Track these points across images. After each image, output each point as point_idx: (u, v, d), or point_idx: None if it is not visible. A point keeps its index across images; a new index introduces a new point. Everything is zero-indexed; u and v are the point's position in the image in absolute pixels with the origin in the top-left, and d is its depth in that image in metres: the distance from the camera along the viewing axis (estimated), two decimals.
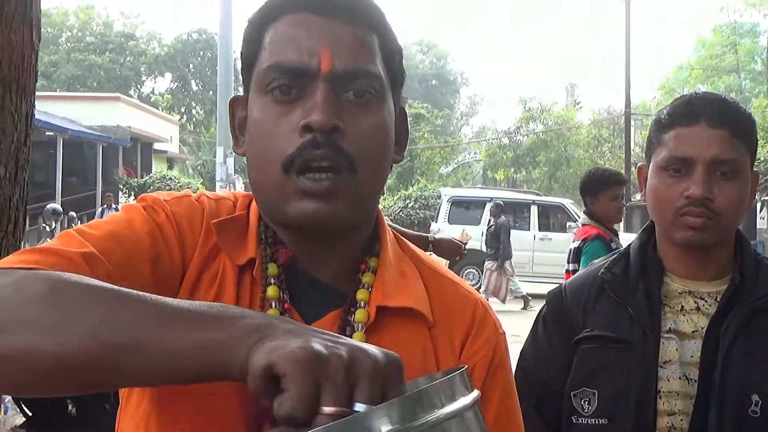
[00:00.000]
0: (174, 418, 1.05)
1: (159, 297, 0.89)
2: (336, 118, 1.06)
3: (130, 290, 0.90)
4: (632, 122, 28.46)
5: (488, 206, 19.58)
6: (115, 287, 0.90)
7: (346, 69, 1.08)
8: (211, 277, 1.13)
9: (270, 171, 1.09)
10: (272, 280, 1.13)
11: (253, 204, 1.20)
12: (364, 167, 1.09)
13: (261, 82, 1.11)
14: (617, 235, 5.73)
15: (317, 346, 0.79)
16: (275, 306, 1.11)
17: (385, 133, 1.13)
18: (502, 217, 16.60)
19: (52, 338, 0.84)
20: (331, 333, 0.84)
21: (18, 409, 3.66)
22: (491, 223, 16.68)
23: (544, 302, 1.94)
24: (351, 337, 1.10)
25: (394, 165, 1.22)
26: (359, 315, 1.13)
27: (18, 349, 0.85)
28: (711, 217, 1.67)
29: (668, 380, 1.71)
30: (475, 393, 0.82)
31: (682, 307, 1.75)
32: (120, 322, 0.85)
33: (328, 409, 0.75)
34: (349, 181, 1.08)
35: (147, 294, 0.90)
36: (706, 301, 1.74)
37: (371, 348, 0.82)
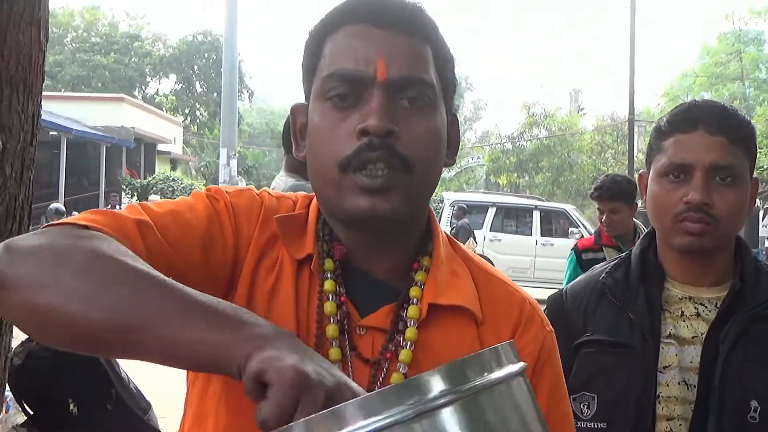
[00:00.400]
0: (240, 408, 1.10)
1: (184, 287, 0.98)
2: (391, 123, 1.13)
3: (159, 275, 0.99)
4: (636, 129, 28.42)
5: (491, 211, 19.58)
6: (149, 271, 0.99)
7: (401, 77, 1.15)
8: (269, 266, 1.20)
9: (328, 171, 1.16)
10: (329, 275, 1.20)
11: (313, 203, 1.27)
12: (418, 168, 1.15)
13: (321, 89, 1.17)
14: (615, 246, 5.31)
15: (308, 369, 0.86)
16: (332, 299, 1.18)
17: (438, 137, 1.19)
18: (465, 219, 16.78)
19: (79, 305, 0.96)
20: (329, 363, 0.92)
21: (20, 408, 3.67)
22: (453, 224, 16.80)
23: (545, 307, 1.95)
24: (404, 333, 1.18)
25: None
26: (411, 311, 1.19)
27: (49, 308, 0.97)
28: (710, 222, 1.68)
29: (667, 385, 1.72)
30: (522, 363, 0.89)
31: (682, 312, 1.76)
32: (140, 304, 0.95)
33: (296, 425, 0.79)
34: (404, 179, 1.14)
35: (174, 283, 0.98)
36: (706, 307, 1.75)
37: (357, 388, 0.90)
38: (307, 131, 1.22)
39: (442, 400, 0.78)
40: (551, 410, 1.22)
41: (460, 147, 1.32)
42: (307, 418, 0.78)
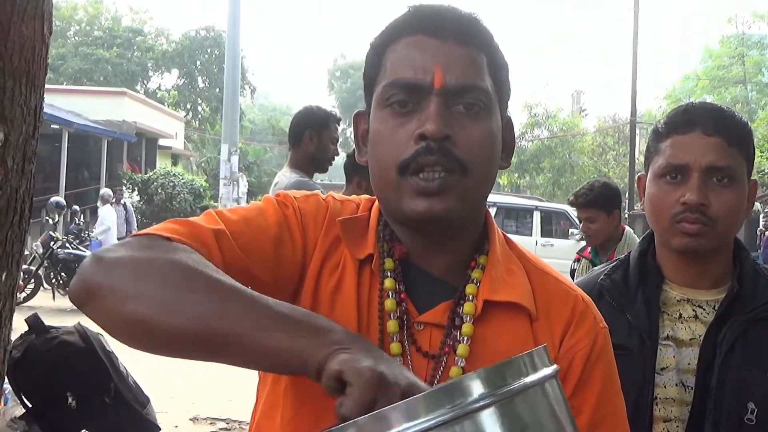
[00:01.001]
0: (305, 398, 1.18)
1: (265, 299, 1.06)
2: (447, 127, 1.18)
3: (242, 288, 1.07)
4: (637, 131, 28.43)
5: (491, 211, 19.57)
6: (231, 282, 1.07)
7: (457, 84, 1.20)
8: (333, 266, 1.27)
9: (388, 174, 1.22)
10: (389, 273, 1.26)
11: (375, 205, 1.34)
12: (474, 170, 1.21)
13: (381, 97, 1.24)
14: (588, 258, 5.16)
15: (384, 370, 0.95)
16: (392, 296, 1.24)
17: (493, 140, 1.25)
18: None
19: (167, 315, 1.04)
20: (399, 364, 1.01)
21: (18, 401, 3.67)
22: None
23: None
24: (460, 328, 1.24)
25: None
26: (467, 307, 1.25)
27: (140, 317, 1.05)
28: (707, 223, 1.69)
29: (665, 387, 1.72)
30: (555, 366, 0.94)
31: (680, 314, 1.76)
32: (225, 314, 1.03)
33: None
34: (460, 181, 1.20)
35: (256, 294, 1.07)
36: (704, 310, 1.76)
37: (424, 387, 0.97)
38: (369, 137, 1.28)
39: (481, 403, 0.83)
40: (602, 404, 1.26)
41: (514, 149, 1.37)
42: (355, 419, 0.85)
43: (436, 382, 1.22)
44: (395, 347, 1.22)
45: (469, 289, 1.26)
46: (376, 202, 1.34)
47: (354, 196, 1.40)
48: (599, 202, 4.88)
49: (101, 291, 1.07)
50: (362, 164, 1.32)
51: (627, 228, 5.06)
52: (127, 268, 1.08)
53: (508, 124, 1.32)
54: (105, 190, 17.83)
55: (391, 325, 1.23)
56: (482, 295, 1.25)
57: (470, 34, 1.24)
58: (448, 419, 0.81)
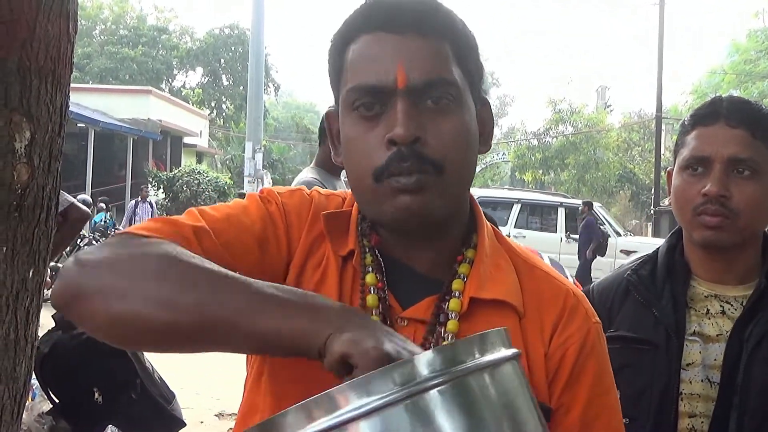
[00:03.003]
0: (282, 393, 1.17)
1: (256, 282, 1.05)
2: (417, 128, 1.15)
3: (231, 273, 1.06)
4: (663, 126, 28.23)
5: (515, 207, 19.51)
6: (219, 269, 1.06)
7: (422, 81, 1.16)
8: (316, 263, 1.25)
9: (363, 181, 1.19)
10: (370, 269, 1.24)
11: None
12: (450, 167, 1.17)
13: (347, 101, 1.20)
14: None
15: (389, 348, 0.93)
16: (373, 291, 1.22)
17: (466, 131, 1.20)
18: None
19: (160, 309, 1.03)
20: (401, 337, 0.98)
21: (45, 396, 3.71)
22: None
23: None
24: (445, 325, 1.21)
25: None
26: (453, 304, 1.22)
27: (133, 314, 1.03)
28: (728, 216, 1.67)
29: (690, 382, 1.71)
30: (515, 350, 0.93)
31: (708, 310, 1.75)
32: (218, 302, 1.02)
33: None
34: (437, 181, 1.16)
35: (246, 279, 1.06)
36: (731, 305, 1.74)
37: None
38: (341, 140, 1.25)
39: (431, 383, 0.82)
40: (595, 401, 1.23)
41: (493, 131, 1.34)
42: (301, 403, 0.82)
43: None
44: None
45: (456, 284, 1.23)
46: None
47: (340, 191, 1.38)
48: None
49: (85, 292, 1.06)
50: (338, 164, 1.29)
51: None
52: (112, 266, 1.07)
53: (483, 106, 1.28)
54: (82, 197, 17.38)
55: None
56: (468, 292, 1.22)
57: (430, 23, 1.19)
58: (395, 399, 0.80)
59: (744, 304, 1.72)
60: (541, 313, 1.25)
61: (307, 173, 4.48)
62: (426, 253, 1.25)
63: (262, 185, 16.57)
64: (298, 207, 1.29)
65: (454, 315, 1.21)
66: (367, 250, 1.26)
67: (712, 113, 1.73)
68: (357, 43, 1.20)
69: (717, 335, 1.72)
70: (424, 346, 1.18)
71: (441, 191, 1.17)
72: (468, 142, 1.21)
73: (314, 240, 1.27)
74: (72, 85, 2.57)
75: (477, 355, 0.87)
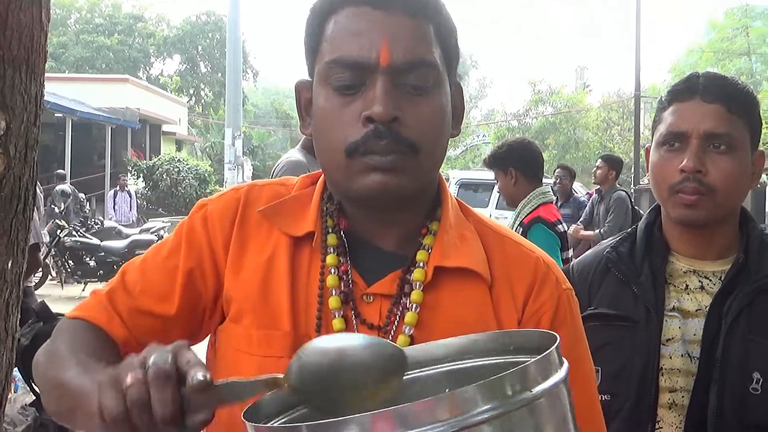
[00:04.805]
0: None
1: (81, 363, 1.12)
2: (395, 108, 1.14)
3: (73, 356, 1.15)
4: (642, 105, 28.29)
5: (496, 189, 19.56)
6: (75, 357, 1.14)
7: (404, 61, 1.15)
8: (258, 247, 1.26)
9: (335, 155, 1.18)
10: (331, 249, 1.24)
11: (320, 181, 1.31)
12: (424, 149, 1.17)
13: (324, 74, 1.19)
14: None
15: (145, 354, 0.93)
16: (334, 272, 1.22)
17: (443, 115, 1.21)
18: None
19: (47, 394, 1.20)
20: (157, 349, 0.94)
21: (28, 388, 3.69)
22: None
23: None
24: (409, 295, 1.21)
25: None
26: (417, 274, 1.22)
27: (45, 383, 1.22)
28: (704, 192, 1.68)
29: (670, 358, 1.72)
30: (565, 367, 0.89)
31: (687, 286, 1.76)
32: (65, 383, 1.11)
33: None
34: (412, 161, 1.17)
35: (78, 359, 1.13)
36: (710, 281, 1.75)
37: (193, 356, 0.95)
38: (313, 112, 1.23)
39: (482, 417, 0.77)
40: (570, 368, 1.23)
41: (465, 125, 1.33)
42: (327, 421, 0.78)
43: None
44: (338, 323, 1.20)
45: (420, 255, 1.23)
46: (321, 177, 1.32)
47: (284, 177, 1.39)
48: (494, 161, 4.76)
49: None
50: (306, 135, 1.29)
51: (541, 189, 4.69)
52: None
53: (457, 90, 1.28)
54: (61, 187, 17.12)
55: (333, 301, 1.21)
56: (433, 261, 1.23)
57: (417, 3, 1.18)
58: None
59: (722, 279, 1.74)
60: (512, 281, 1.26)
61: (296, 153, 4.46)
62: (392, 230, 1.25)
63: (243, 172, 16.53)
64: (221, 209, 1.30)
65: (418, 285, 1.21)
66: (330, 230, 1.25)
67: (689, 89, 1.74)
68: (340, 15, 1.18)
69: (696, 310, 1.74)
70: (389, 319, 1.20)
71: (414, 172, 1.18)
72: (443, 125, 1.21)
73: (251, 229, 1.28)
74: (48, 74, 2.55)
75: (532, 385, 0.82)
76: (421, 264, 1.23)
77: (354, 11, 1.17)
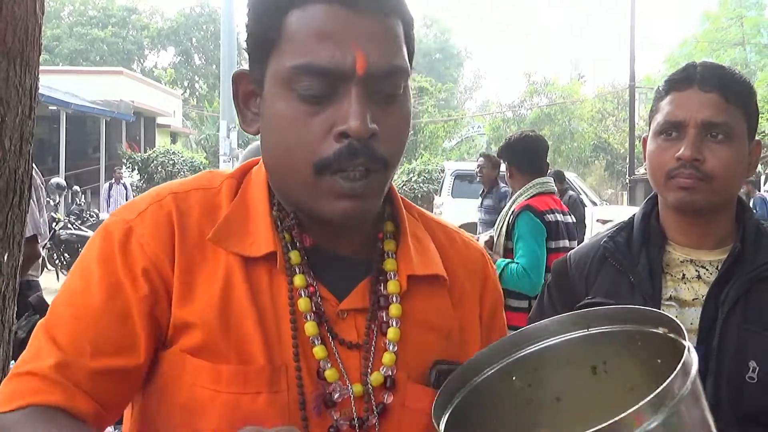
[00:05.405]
0: None
1: None
2: (372, 122, 1.05)
3: None
4: (637, 96, 28.31)
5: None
6: None
7: (379, 68, 1.05)
8: (209, 274, 1.10)
9: (299, 171, 1.07)
10: (297, 269, 1.12)
11: (260, 193, 1.17)
12: (393, 163, 1.10)
13: (286, 77, 1.06)
14: None
15: None
16: (304, 294, 1.12)
17: (409, 120, 1.13)
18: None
19: None
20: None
21: None
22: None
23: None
24: (387, 309, 1.15)
25: None
26: (392, 287, 1.16)
27: None
28: (701, 178, 1.69)
29: None
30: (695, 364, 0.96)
31: (684, 275, 1.77)
32: None
33: None
34: (381, 176, 1.10)
35: None
36: (707, 270, 1.76)
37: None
38: (266, 114, 1.11)
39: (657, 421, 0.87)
40: (493, 325, 1.30)
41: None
42: None
43: (368, 373, 1.12)
44: (319, 351, 1.11)
45: (389, 264, 1.17)
46: (262, 184, 1.17)
47: (199, 177, 1.22)
48: (500, 156, 5.03)
49: None
50: (251, 134, 1.16)
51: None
52: None
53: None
54: (56, 180, 17.06)
55: (309, 327, 1.11)
56: (405, 270, 1.17)
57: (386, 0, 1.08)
58: None
59: (719, 268, 1.74)
60: (466, 277, 1.26)
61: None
62: (350, 236, 1.18)
63: (238, 164, 16.48)
64: (153, 231, 1.11)
65: (395, 298, 1.16)
66: (289, 247, 1.14)
67: (686, 78, 1.74)
68: (305, 11, 1.06)
69: (693, 300, 1.74)
70: (368, 335, 1.14)
71: (382, 189, 1.12)
72: (408, 131, 1.14)
73: (193, 249, 1.11)
74: (42, 67, 2.54)
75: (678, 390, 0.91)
76: (392, 275, 1.17)
77: (322, 9, 1.05)
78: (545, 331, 1.18)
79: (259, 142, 1.14)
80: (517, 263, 4.36)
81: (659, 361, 1.10)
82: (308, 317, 1.11)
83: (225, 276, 1.10)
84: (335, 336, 1.13)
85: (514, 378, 1.17)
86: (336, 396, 1.10)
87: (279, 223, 1.15)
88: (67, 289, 1.14)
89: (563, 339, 1.18)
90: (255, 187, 1.18)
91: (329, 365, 1.11)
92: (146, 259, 1.09)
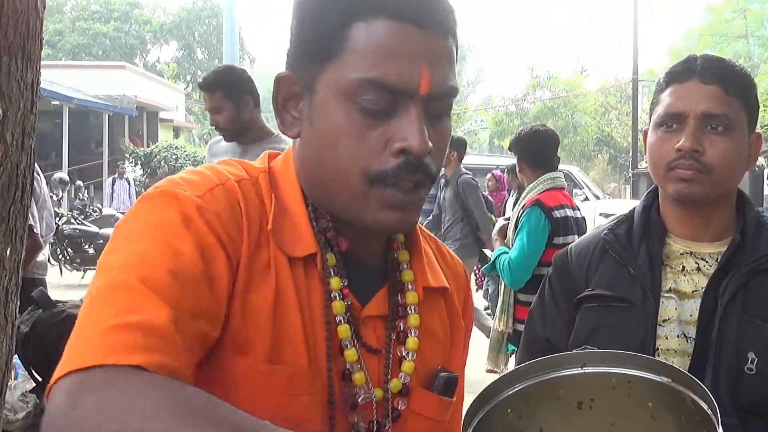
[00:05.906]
0: None
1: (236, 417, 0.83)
2: (429, 140, 1.06)
3: (213, 411, 0.82)
4: (640, 89, 28.27)
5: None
6: (204, 405, 0.82)
7: (440, 89, 1.07)
8: (262, 270, 1.08)
9: (349, 179, 1.08)
10: (331, 271, 1.13)
11: (286, 188, 1.15)
12: (436, 176, 1.13)
13: (350, 89, 1.06)
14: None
15: None
16: (338, 297, 1.12)
17: (450, 137, 1.16)
18: None
19: None
20: None
21: (28, 375, 3.70)
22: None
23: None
24: (405, 318, 1.19)
25: None
26: (411, 297, 1.20)
27: None
28: (701, 170, 1.69)
29: (666, 338, 1.73)
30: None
31: (683, 267, 1.77)
32: None
33: None
34: (425, 191, 1.13)
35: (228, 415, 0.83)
36: (707, 262, 1.76)
37: None
38: (319, 122, 1.09)
39: None
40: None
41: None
42: None
43: (389, 379, 1.16)
44: (351, 354, 1.12)
45: (406, 276, 1.20)
46: (284, 183, 1.16)
47: (232, 167, 1.15)
48: (512, 151, 4.92)
49: None
50: (290, 137, 1.15)
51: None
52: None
53: None
54: (59, 175, 17.00)
55: (343, 330, 1.11)
56: (421, 282, 1.21)
57: (448, 21, 1.09)
58: None
59: (719, 260, 1.74)
60: (454, 291, 1.30)
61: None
62: (375, 244, 1.20)
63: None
64: (229, 213, 1.07)
65: (413, 309, 1.19)
66: (326, 249, 1.14)
67: (686, 70, 1.74)
68: (373, 24, 1.05)
69: (692, 291, 1.74)
70: (387, 343, 1.17)
71: (423, 201, 1.14)
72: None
73: (255, 240, 1.09)
74: (44, 62, 2.54)
75: None
76: (410, 286, 1.20)
77: (392, 25, 1.04)
78: (543, 366, 1.26)
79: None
80: (507, 256, 4.42)
81: (651, 404, 1.21)
82: (341, 320, 1.12)
83: (275, 272, 1.09)
84: (360, 339, 1.15)
85: (509, 411, 1.24)
86: (360, 399, 1.13)
87: (315, 225, 1.15)
88: (156, 265, 0.97)
89: (558, 375, 1.26)
90: (286, 185, 1.17)
91: (357, 368, 1.13)
92: (225, 233, 1.04)
